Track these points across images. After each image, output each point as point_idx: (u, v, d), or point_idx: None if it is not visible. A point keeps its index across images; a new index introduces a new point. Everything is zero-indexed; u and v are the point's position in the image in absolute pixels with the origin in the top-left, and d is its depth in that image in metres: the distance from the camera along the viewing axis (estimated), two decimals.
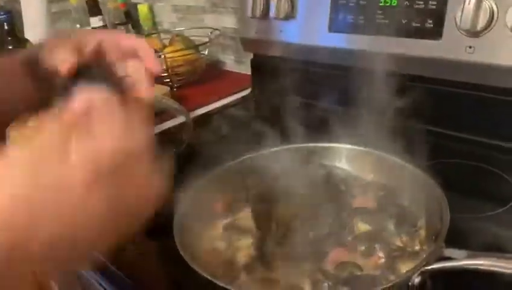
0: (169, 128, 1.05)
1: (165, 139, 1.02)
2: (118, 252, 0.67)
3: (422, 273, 0.47)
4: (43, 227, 0.31)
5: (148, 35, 1.52)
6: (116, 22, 1.55)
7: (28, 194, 0.31)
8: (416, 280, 0.47)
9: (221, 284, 0.48)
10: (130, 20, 1.59)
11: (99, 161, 0.33)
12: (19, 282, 0.32)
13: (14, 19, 1.41)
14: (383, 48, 0.85)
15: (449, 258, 0.48)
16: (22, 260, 0.30)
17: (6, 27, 1.34)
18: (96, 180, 0.33)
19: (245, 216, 0.66)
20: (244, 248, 0.60)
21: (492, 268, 0.45)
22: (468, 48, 0.75)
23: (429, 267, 0.47)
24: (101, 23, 1.12)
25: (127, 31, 1.53)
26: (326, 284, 0.51)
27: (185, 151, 0.92)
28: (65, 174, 0.32)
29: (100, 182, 0.33)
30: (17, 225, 0.30)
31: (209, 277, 0.48)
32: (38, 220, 0.31)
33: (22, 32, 1.51)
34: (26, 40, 1.41)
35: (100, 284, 0.70)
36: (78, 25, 1.48)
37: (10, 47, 1.32)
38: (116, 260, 0.67)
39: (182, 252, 0.53)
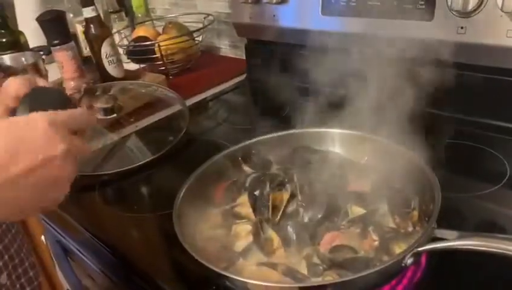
0: (166, 117, 1.05)
1: (163, 127, 1.03)
2: (121, 239, 0.69)
3: (414, 255, 0.49)
4: None
5: (141, 23, 1.52)
6: (110, 10, 1.54)
7: None
8: (409, 260, 0.49)
9: (218, 271, 0.49)
10: (123, 7, 1.58)
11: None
12: None
13: (6, 11, 1.40)
14: (375, 29, 0.85)
15: (441, 239, 0.50)
16: None
17: None
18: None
19: (242, 202, 0.67)
20: (242, 234, 0.61)
21: (483, 248, 0.47)
22: (459, 29, 0.75)
23: (421, 249, 0.49)
24: (93, 14, 1.11)
25: (120, 19, 1.52)
26: (321, 267, 0.52)
27: (182, 139, 0.93)
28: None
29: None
30: None
31: (207, 264, 0.50)
32: None
33: (15, 24, 1.50)
34: (20, 32, 1.41)
35: (103, 272, 0.72)
36: (71, 15, 1.47)
37: (4, 40, 1.32)
38: (118, 248, 0.68)
39: (181, 240, 0.54)
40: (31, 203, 0.43)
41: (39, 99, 0.47)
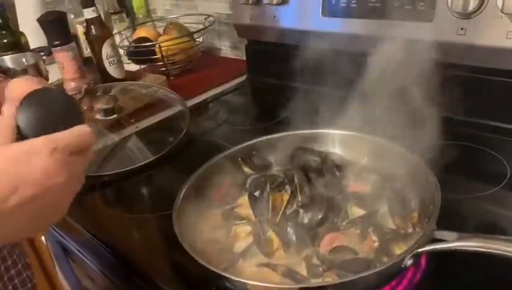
0: (166, 118, 1.05)
1: (163, 128, 1.03)
2: (121, 240, 0.69)
3: (414, 256, 0.49)
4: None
5: (142, 24, 1.52)
6: (111, 11, 1.54)
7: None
8: (409, 262, 0.49)
9: (218, 271, 0.49)
10: (124, 8, 1.59)
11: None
12: None
13: (7, 12, 1.40)
14: (375, 31, 0.85)
15: (441, 240, 0.50)
16: None
17: None
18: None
19: (243, 203, 0.67)
20: (242, 235, 0.61)
21: (482, 250, 0.47)
22: (459, 30, 0.75)
23: (421, 250, 0.48)
24: (94, 14, 1.11)
25: (121, 20, 1.53)
26: (321, 268, 0.52)
27: (183, 140, 0.93)
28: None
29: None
30: None
31: (206, 265, 0.50)
32: None
33: (16, 25, 1.50)
34: (21, 33, 1.41)
35: (103, 273, 0.72)
36: (72, 16, 1.48)
37: (5, 40, 1.32)
38: (118, 248, 0.68)
39: (181, 240, 0.54)
40: (29, 228, 0.43)
41: (40, 102, 0.45)
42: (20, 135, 0.43)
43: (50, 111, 0.45)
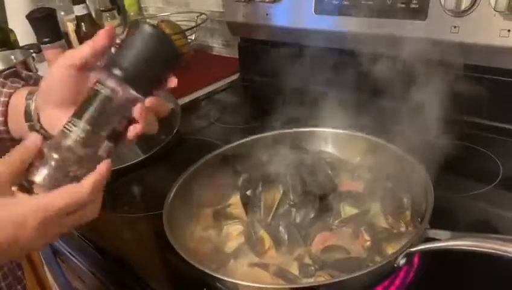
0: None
1: None
2: (111, 240, 0.68)
3: (407, 255, 0.48)
4: None
5: (133, 21, 1.50)
6: (102, 9, 1.52)
7: None
8: (402, 261, 0.48)
9: (209, 272, 0.48)
10: (115, 6, 1.57)
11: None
12: None
13: None
14: (368, 29, 0.85)
15: (434, 239, 0.49)
16: None
17: None
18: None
19: (234, 203, 0.66)
20: (233, 234, 0.60)
21: (476, 248, 0.46)
22: (453, 28, 0.75)
23: (414, 249, 0.48)
24: (85, 11, 1.10)
25: (112, 17, 1.51)
26: (313, 267, 0.51)
27: (174, 139, 0.92)
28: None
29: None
30: None
31: (197, 265, 0.49)
32: None
33: (6, 22, 1.49)
34: (10, 30, 1.39)
35: (93, 274, 0.71)
36: (62, 13, 1.46)
37: None
38: (108, 249, 0.68)
39: (171, 240, 0.53)
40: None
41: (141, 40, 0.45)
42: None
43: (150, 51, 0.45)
